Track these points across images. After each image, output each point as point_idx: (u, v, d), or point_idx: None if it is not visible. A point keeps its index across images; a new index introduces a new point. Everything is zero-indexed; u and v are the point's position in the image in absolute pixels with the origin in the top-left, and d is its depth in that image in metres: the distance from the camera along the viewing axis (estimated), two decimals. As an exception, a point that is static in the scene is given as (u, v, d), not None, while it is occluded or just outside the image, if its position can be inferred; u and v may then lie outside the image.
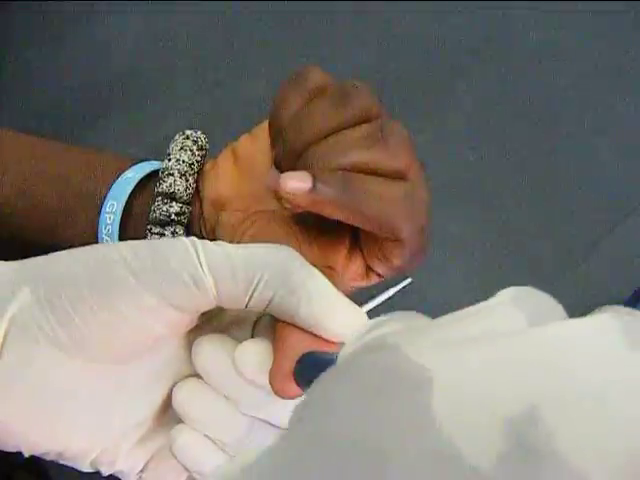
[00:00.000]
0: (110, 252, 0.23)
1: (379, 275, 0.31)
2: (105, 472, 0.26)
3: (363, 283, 0.32)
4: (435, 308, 0.81)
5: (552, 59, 1.00)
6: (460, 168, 0.89)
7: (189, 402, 0.26)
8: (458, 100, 0.95)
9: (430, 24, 1.03)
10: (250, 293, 0.24)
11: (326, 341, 0.25)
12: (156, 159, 0.39)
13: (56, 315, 0.23)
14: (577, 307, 0.78)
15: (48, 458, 0.25)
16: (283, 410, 0.26)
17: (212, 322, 0.28)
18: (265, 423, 0.26)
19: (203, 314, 0.27)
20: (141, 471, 0.27)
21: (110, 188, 0.35)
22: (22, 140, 0.39)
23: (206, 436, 0.26)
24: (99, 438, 0.25)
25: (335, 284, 0.26)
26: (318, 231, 0.31)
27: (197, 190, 0.36)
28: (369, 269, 0.31)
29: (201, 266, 0.23)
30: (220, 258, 0.24)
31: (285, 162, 0.30)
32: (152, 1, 1.04)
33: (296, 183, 0.26)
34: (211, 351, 0.26)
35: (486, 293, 0.79)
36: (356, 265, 0.31)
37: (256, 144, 0.33)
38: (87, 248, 0.24)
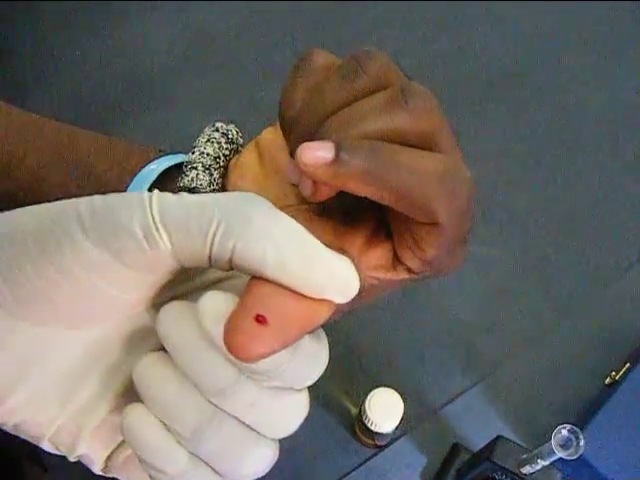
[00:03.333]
0: (66, 205, 0.21)
1: (409, 270, 0.27)
2: (70, 456, 0.24)
3: (388, 276, 0.27)
4: (451, 326, 0.81)
5: (586, 85, 0.99)
6: (484, 188, 0.87)
7: (149, 378, 0.23)
8: (488, 120, 0.94)
9: (467, 41, 1.02)
10: (209, 245, 0.21)
11: (304, 297, 0.21)
12: (186, 152, 0.37)
13: None
14: (593, 338, 0.76)
15: (6, 429, 0.23)
16: (251, 402, 0.22)
17: (193, 296, 0.25)
18: (231, 418, 0.22)
19: (181, 285, 0.24)
20: (108, 459, 0.25)
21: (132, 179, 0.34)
22: (46, 125, 0.38)
23: (162, 422, 0.23)
24: (55, 411, 0.23)
25: None
26: (339, 219, 0.28)
27: (224, 186, 0.34)
28: (398, 261, 0.27)
29: (153, 219, 0.21)
30: (175, 209, 0.21)
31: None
32: (188, 0, 1.04)
33: (317, 152, 0.22)
34: (177, 319, 0.22)
35: (502, 314, 0.78)
36: (379, 253, 0.27)
37: (279, 136, 0.30)
38: (49, 204, 0.22)
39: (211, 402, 0.22)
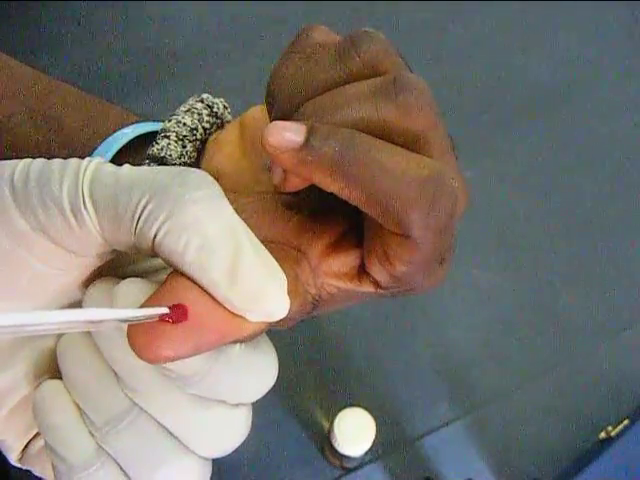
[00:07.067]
0: (4, 167, 0.20)
1: (376, 283, 0.24)
2: None
3: (351, 286, 0.24)
4: (445, 354, 0.77)
5: (621, 117, 0.94)
6: (501, 213, 0.84)
7: (71, 354, 0.21)
8: (518, 143, 0.91)
9: (508, 57, 0.97)
10: (134, 225, 0.18)
11: (217, 304, 0.19)
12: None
13: None
14: (592, 387, 0.72)
15: None
16: (171, 406, 0.20)
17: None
18: (150, 419, 0.21)
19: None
20: (25, 447, 0.23)
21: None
22: (23, 72, 0.36)
23: (78, 406, 0.21)
24: None
25: (300, 270, 0.21)
26: (308, 215, 0.25)
27: (198, 161, 0.32)
28: (364, 272, 0.24)
29: (82, 192, 0.19)
30: (108, 182, 0.19)
31: None
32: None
33: (285, 133, 0.20)
34: (100, 302, 0.21)
35: (501, 348, 0.73)
36: (343, 260, 0.24)
37: (265, 114, 0.28)
38: None
39: (129, 397, 0.21)
